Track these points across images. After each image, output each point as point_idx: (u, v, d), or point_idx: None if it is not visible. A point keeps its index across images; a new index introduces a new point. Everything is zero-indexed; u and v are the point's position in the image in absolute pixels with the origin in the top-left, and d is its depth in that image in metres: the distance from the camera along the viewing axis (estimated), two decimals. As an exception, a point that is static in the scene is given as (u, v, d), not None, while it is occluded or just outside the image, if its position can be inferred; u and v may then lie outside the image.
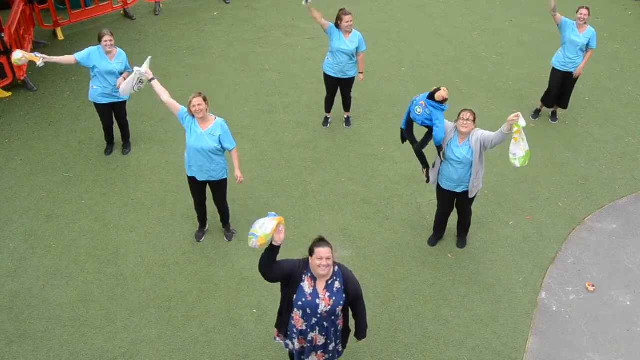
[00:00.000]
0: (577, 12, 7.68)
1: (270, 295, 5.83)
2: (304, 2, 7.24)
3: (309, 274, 4.15)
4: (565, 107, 8.34)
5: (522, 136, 5.24)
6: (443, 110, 5.69)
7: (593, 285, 6.12)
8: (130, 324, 5.56)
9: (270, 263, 4.08)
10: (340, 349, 4.59)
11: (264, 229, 3.96)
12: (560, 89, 8.11)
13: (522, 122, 5.17)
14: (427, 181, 6.19)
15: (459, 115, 5.56)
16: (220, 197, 6.17)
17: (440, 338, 5.54)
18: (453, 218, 6.42)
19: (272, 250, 4.05)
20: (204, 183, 6.03)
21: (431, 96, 5.64)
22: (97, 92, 7.01)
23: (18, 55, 6.37)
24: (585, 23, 7.67)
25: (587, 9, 7.66)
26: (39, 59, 6.37)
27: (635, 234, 6.74)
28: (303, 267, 4.16)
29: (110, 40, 6.78)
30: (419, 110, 5.72)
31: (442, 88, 5.62)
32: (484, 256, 6.39)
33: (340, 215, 6.82)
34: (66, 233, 6.47)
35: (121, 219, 6.66)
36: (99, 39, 6.77)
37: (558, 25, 7.77)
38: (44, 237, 6.41)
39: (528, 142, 5.34)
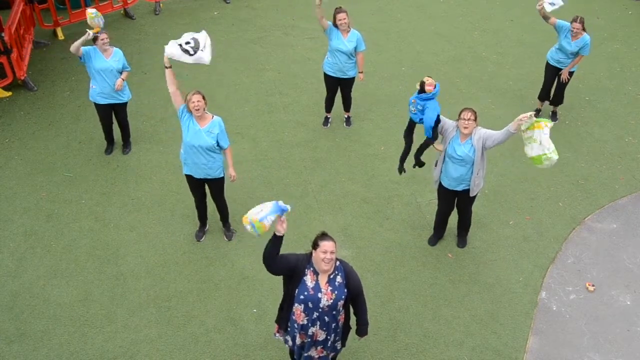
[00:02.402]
0: (571, 23, 7.59)
1: (270, 295, 5.84)
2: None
3: (312, 268, 4.20)
4: (556, 104, 8.31)
5: (540, 135, 5.18)
6: (432, 96, 5.54)
7: (593, 285, 6.12)
8: (131, 324, 5.56)
9: (274, 254, 4.14)
10: (339, 346, 4.61)
11: (262, 220, 3.99)
12: (552, 84, 8.14)
13: (526, 127, 5.19)
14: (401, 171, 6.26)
15: (460, 114, 5.54)
16: (218, 194, 6.18)
17: (440, 338, 5.54)
18: (453, 218, 6.42)
19: (275, 240, 4.11)
20: (202, 181, 6.04)
21: (421, 91, 5.55)
22: (95, 91, 7.02)
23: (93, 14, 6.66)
24: (583, 30, 7.61)
25: (581, 22, 7.50)
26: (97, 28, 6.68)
27: (635, 234, 6.74)
28: (306, 261, 4.22)
29: (107, 38, 6.85)
30: (412, 109, 5.68)
31: (424, 79, 5.51)
32: (484, 256, 6.39)
33: (340, 215, 6.82)
34: (66, 233, 6.47)
35: (121, 219, 6.66)
36: (94, 40, 6.79)
37: (554, 27, 7.76)
38: (44, 237, 6.41)
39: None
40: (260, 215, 4.03)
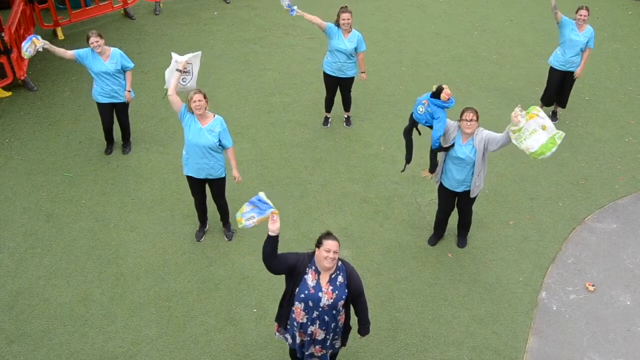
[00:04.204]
0: (576, 13, 7.68)
1: (270, 294, 5.84)
2: (290, 11, 7.26)
3: (313, 267, 4.21)
4: (564, 106, 8.34)
5: (539, 122, 5.17)
6: (446, 107, 5.58)
7: (593, 285, 6.12)
8: (131, 324, 5.56)
9: (272, 253, 4.15)
10: (338, 344, 4.62)
11: (253, 217, 4.14)
12: (558, 89, 8.12)
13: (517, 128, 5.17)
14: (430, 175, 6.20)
15: (462, 115, 5.51)
16: (219, 194, 6.18)
17: (440, 338, 5.54)
18: (453, 218, 6.42)
19: (270, 240, 4.13)
20: (203, 181, 6.04)
21: (435, 95, 5.56)
22: (97, 90, 7.03)
23: (26, 49, 6.48)
24: (584, 22, 7.68)
25: (587, 9, 7.67)
26: (40, 42, 6.47)
27: (635, 234, 6.74)
28: (307, 260, 4.24)
29: (97, 42, 6.73)
30: (421, 109, 5.66)
31: (444, 86, 5.52)
32: (484, 256, 6.39)
33: (340, 215, 6.82)
34: (66, 233, 6.47)
35: (121, 219, 6.66)
36: (87, 41, 6.77)
37: (558, 23, 7.77)
38: (44, 237, 6.41)
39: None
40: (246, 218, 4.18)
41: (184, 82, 6.02)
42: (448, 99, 5.54)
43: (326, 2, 10.77)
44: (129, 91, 7.10)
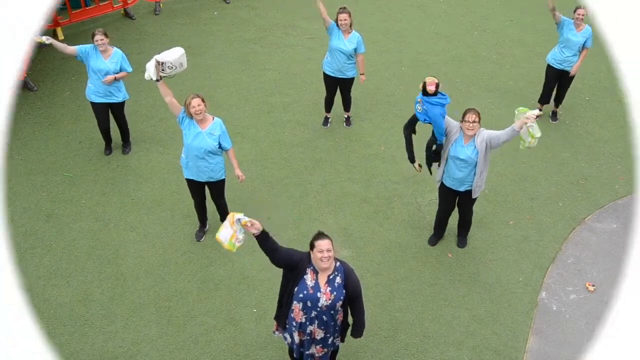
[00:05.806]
0: (574, 12, 7.68)
1: (270, 294, 5.84)
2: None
3: (312, 268, 4.24)
4: (560, 102, 8.33)
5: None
6: (441, 103, 5.49)
7: (593, 285, 6.12)
8: (131, 324, 5.56)
9: (271, 249, 4.23)
10: (338, 343, 4.63)
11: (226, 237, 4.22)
12: (555, 87, 8.14)
13: (538, 133, 5.29)
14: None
15: (464, 116, 5.51)
16: (218, 195, 6.18)
17: (440, 338, 5.55)
18: (453, 218, 6.42)
19: (259, 240, 4.21)
20: (203, 184, 6.03)
21: (425, 91, 5.50)
22: (91, 90, 7.01)
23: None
24: (582, 21, 7.68)
25: (585, 8, 7.66)
26: (44, 40, 6.46)
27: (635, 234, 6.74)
28: (307, 260, 4.26)
29: (102, 40, 6.74)
30: (418, 108, 5.66)
31: (426, 79, 5.46)
32: (484, 256, 6.39)
33: (340, 215, 6.82)
34: (66, 233, 6.47)
35: (121, 219, 6.66)
36: (92, 38, 6.78)
37: (557, 23, 7.77)
38: (44, 237, 6.41)
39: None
40: (228, 238, 4.24)
41: (170, 70, 5.88)
42: (436, 91, 5.44)
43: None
44: (115, 78, 6.91)
